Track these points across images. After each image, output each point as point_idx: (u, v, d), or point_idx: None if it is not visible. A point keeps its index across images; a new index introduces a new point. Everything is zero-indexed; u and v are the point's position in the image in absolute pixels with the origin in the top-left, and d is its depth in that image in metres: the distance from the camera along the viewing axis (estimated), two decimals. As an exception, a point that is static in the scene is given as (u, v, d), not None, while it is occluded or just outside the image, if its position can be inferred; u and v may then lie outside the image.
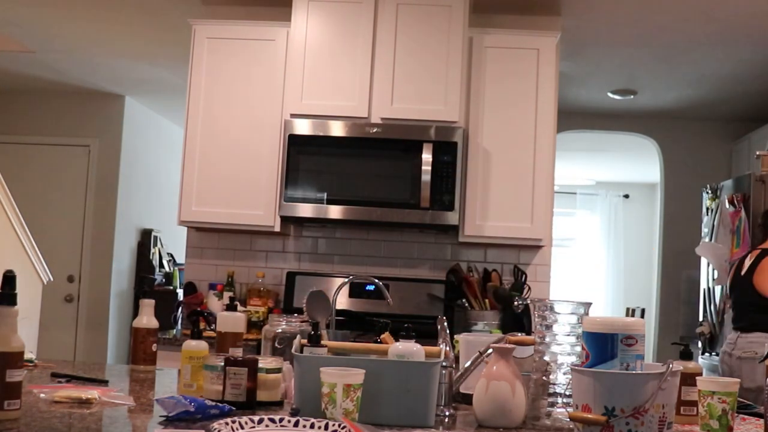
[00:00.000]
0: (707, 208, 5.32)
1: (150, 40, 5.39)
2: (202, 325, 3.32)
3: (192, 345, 2.04)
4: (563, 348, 1.88)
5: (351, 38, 3.98)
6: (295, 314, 2.28)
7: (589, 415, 1.51)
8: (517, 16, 4.43)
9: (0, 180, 4.41)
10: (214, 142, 4.08)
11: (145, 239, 7.41)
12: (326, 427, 1.53)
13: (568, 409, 1.61)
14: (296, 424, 1.55)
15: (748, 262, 4.16)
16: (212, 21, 4.25)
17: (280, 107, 4.04)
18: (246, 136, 4.06)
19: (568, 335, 1.87)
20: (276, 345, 2.16)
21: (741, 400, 2.02)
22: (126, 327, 7.05)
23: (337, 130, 3.92)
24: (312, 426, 1.54)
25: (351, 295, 4.15)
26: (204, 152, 4.08)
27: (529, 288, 4.11)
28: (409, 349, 1.86)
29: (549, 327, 1.89)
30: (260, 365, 1.86)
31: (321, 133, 3.92)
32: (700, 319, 5.42)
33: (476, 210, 3.99)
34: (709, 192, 5.28)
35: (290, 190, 3.91)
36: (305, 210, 3.91)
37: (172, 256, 7.76)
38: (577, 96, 6.17)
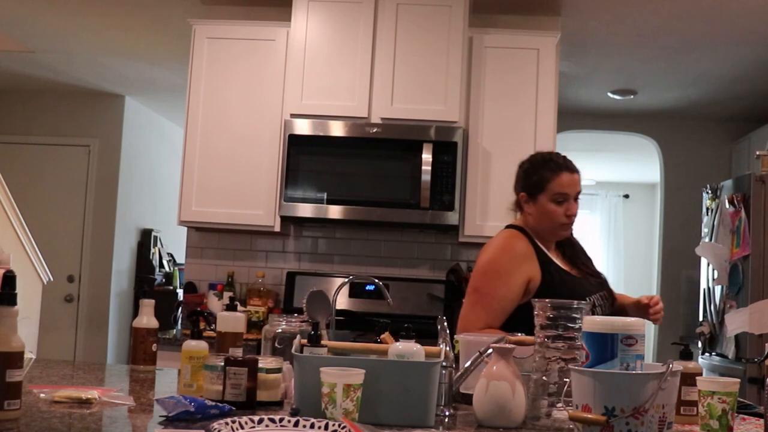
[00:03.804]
0: (707, 208, 5.30)
1: (150, 40, 5.39)
2: (202, 325, 3.31)
3: (192, 345, 2.04)
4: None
5: (351, 38, 3.98)
6: (295, 314, 2.27)
7: (589, 415, 1.51)
8: (517, 16, 4.43)
9: (0, 180, 4.41)
10: (214, 142, 4.08)
11: (145, 239, 7.40)
12: (326, 427, 1.53)
13: (568, 409, 1.61)
14: (296, 424, 1.54)
15: None
16: (212, 21, 4.25)
17: (280, 107, 4.04)
18: (246, 136, 4.06)
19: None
20: (276, 345, 2.16)
21: (741, 400, 2.02)
22: (126, 327, 7.05)
23: (337, 130, 3.92)
24: (312, 426, 1.53)
25: (351, 295, 4.15)
26: (204, 152, 4.08)
27: (529, 288, 4.10)
28: (409, 349, 1.85)
29: (549, 327, 1.88)
30: (260, 365, 1.86)
31: (321, 133, 3.92)
32: (700, 319, 5.41)
33: (476, 210, 3.99)
34: (709, 192, 5.27)
35: (290, 190, 3.91)
36: (305, 210, 3.91)
37: (172, 256, 7.75)
38: (577, 96, 6.17)
